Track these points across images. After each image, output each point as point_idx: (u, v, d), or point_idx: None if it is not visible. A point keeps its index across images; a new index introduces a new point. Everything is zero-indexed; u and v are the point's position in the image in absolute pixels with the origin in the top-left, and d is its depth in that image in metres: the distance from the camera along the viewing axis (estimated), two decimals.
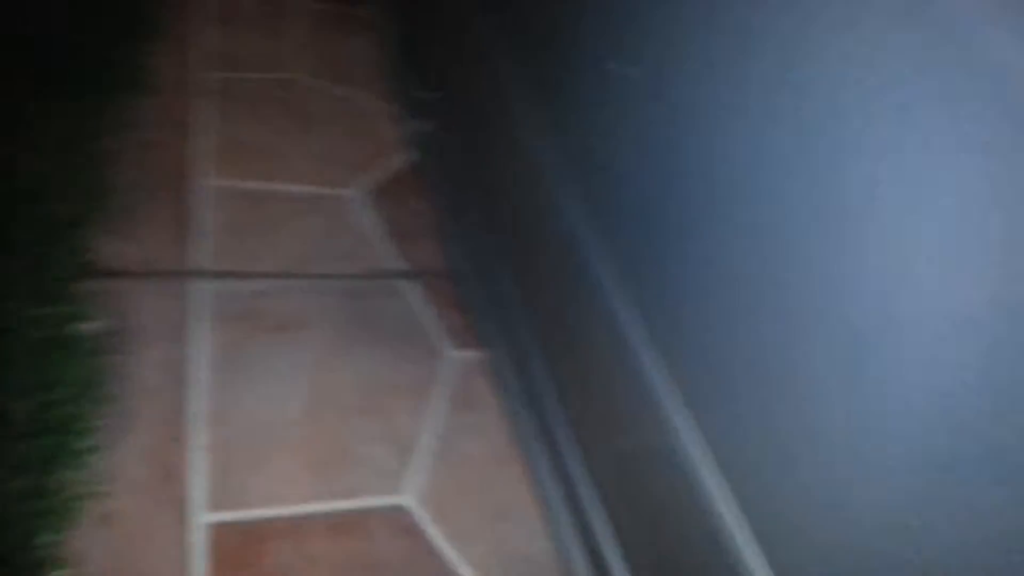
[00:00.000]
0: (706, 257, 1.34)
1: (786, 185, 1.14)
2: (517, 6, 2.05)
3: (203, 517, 1.65)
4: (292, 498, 1.73)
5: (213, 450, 1.76)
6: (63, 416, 1.68)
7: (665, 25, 1.43)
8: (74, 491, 1.59)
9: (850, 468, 1.06)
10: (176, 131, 2.52)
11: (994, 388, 0.89)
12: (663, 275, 1.48)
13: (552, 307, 1.91)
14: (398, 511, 1.77)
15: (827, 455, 1.10)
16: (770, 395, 1.20)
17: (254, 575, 1.60)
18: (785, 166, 1.14)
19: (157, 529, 1.61)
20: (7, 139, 2.20)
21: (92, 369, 1.80)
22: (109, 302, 1.97)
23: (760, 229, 1.20)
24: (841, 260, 1.07)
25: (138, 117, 2.48)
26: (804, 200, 1.11)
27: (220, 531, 1.64)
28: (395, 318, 2.18)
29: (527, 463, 1.90)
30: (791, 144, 1.13)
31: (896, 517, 1.00)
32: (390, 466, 1.85)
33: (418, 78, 2.66)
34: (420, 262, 2.34)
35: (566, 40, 1.83)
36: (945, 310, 0.94)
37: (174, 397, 1.83)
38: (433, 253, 2.37)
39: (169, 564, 1.57)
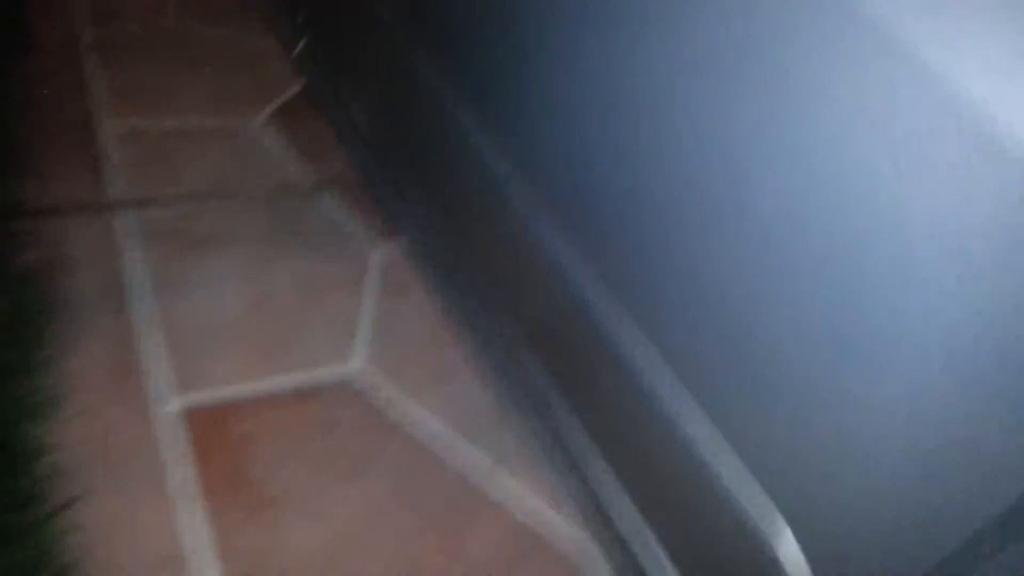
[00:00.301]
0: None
1: None
2: None
3: (169, 403, 1.81)
4: (247, 379, 1.91)
5: (166, 347, 1.92)
6: (14, 335, 1.80)
7: None
8: (40, 395, 1.73)
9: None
10: (68, 83, 2.59)
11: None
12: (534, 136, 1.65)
13: (449, 191, 2.11)
14: (346, 380, 1.98)
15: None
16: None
17: (222, 446, 1.77)
18: None
19: (129, 417, 1.76)
20: None
21: (33, 294, 1.92)
22: (38, 239, 2.07)
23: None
24: None
25: (34, 74, 2.54)
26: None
27: (192, 413, 1.81)
28: (314, 224, 2.36)
29: (458, 332, 2.12)
30: None
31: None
32: (334, 343, 2.05)
33: (285, 7, 2.79)
34: (328, 173, 2.52)
35: None
36: None
37: (118, 309, 1.97)
38: (337, 164, 2.55)
39: (148, 439, 1.73)
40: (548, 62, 1.50)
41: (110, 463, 1.68)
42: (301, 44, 2.62)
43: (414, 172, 2.19)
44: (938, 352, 0.92)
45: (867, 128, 0.94)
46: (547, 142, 1.55)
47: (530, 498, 1.82)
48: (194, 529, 1.62)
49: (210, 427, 1.80)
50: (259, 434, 1.81)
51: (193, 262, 2.14)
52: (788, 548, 1.13)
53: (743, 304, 1.16)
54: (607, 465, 1.53)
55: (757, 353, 1.15)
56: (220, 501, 1.67)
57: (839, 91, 0.96)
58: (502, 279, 1.89)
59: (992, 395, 0.88)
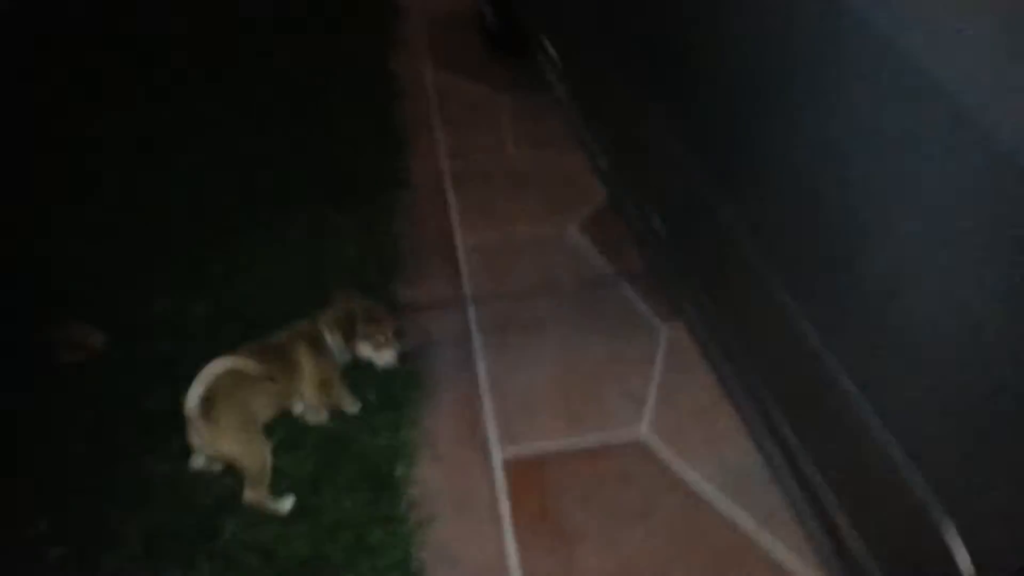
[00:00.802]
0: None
1: None
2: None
3: (499, 454, 2.33)
4: (558, 437, 2.37)
5: (497, 410, 2.46)
6: (396, 396, 2.47)
7: None
8: (408, 443, 2.34)
9: None
10: (433, 209, 3.39)
11: None
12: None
13: (714, 285, 2.38)
14: (637, 443, 2.34)
15: None
16: None
17: (537, 488, 2.23)
18: None
19: (469, 463, 2.31)
20: (326, 236, 3.16)
21: (410, 368, 2.59)
22: (413, 326, 2.78)
23: None
24: None
25: (407, 205, 3.39)
26: None
27: (511, 463, 2.31)
28: (616, 310, 2.80)
29: (732, 401, 2.36)
30: None
31: None
32: (629, 412, 2.43)
33: (593, 137, 3.31)
34: (625, 267, 2.96)
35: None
36: None
37: (466, 378, 2.57)
38: (633, 260, 2.98)
39: (480, 482, 2.25)
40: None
41: (451, 497, 2.23)
42: (604, 160, 3.13)
43: (692, 271, 2.50)
44: None
45: None
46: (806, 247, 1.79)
47: (788, 554, 1.99)
48: (508, 553, 2.08)
49: (526, 473, 2.27)
50: (563, 481, 2.25)
51: (519, 343, 2.69)
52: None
53: None
54: (849, 521, 1.67)
55: None
56: (529, 533, 2.12)
57: None
58: (764, 360, 2.11)
59: None
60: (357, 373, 2.48)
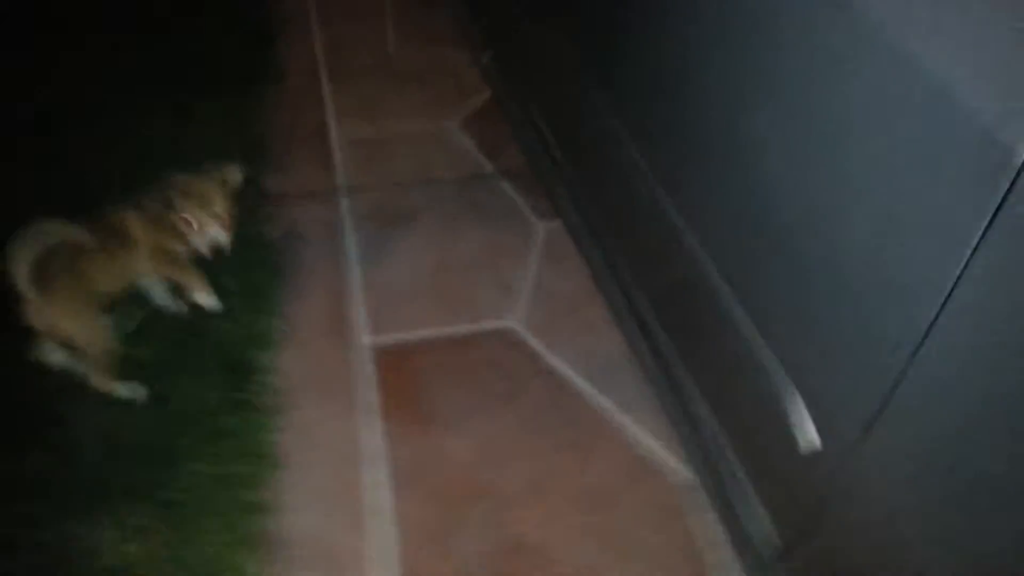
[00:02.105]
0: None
1: None
2: None
3: (366, 340, 2.26)
4: (428, 326, 2.32)
5: (366, 300, 2.38)
6: (259, 284, 2.35)
7: None
8: (270, 331, 2.24)
9: None
10: (307, 102, 3.21)
11: None
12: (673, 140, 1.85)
13: (603, 183, 2.36)
14: (507, 331, 2.32)
15: None
16: None
17: (403, 375, 2.18)
18: None
19: (334, 350, 2.23)
20: (189, 124, 2.95)
21: (273, 257, 2.47)
22: (280, 217, 2.64)
23: None
24: None
25: (279, 99, 3.20)
26: None
27: (380, 351, 2.25)
28: (494, 206, 2.75)
29: (604, 294, 2.37)
30: None
31: None
32: (497, 302, 2.40)
33: (475, 24, 3.21)
34: (507, 164, 2.90)
35: None
36: None
37: (335, 268, 2.48)
38: (515, 158, 2.91)
39: (344, 369, 2.18)
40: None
41: (314, 384, 2.15)
42: (487, 57, 3.03)
43: (576, 167, 2.47)
44: None
45: None
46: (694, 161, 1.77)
47: (647, 437, 2.04)
48: (372, 437, 2.03)
49: (393, 361, 2.22)
50: (431, 369, 2.20)
51: (394, 234, 2.61)
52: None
53: None
54: (711, 412, 1.71)
55: None
56: (395, 418, 2.08)
57: None
58: (638, 257, 2.12)
59: None
60: (219, 264, 2.34)
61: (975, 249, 0.97)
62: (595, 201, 2.31)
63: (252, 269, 2.40)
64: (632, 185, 1.99)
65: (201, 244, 2.11)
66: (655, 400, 2.06)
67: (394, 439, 2.02)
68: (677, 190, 1.76)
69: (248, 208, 2.60)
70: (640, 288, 2.08)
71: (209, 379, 2.10)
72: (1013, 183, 0.91)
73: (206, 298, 2.19)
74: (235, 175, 2.16)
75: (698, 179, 1.70)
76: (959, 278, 1.00)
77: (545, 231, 2.65)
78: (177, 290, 2.21)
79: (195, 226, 2.08)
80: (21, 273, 1.81)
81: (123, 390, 2.01)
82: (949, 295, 1.01)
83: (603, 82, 2.10)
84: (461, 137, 3.05)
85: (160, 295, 2.22)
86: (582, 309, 2.37)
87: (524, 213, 2.71)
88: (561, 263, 2.52)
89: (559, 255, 2.55)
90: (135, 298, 2.19)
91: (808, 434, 1.32)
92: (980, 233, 0.95)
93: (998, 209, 0.93)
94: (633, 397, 2.12)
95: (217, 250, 2.15)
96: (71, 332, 1.91)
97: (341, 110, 3.16)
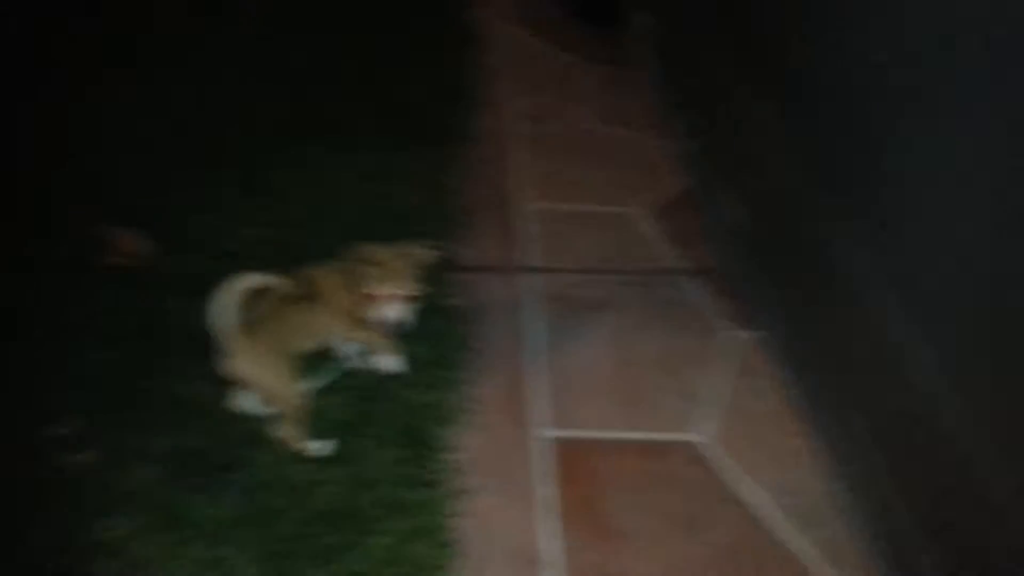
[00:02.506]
0: None
1: None
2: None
3: (546, 432, 2.20)
4: (609, 427, 2.24)
5: (547, 388, 2.32)
6: (443, 355, 2.34)
7: None
8: (451, 408, 2.21)
9: None
10: (497, 170, 3.25)
11: None
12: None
13: (804, 294, 2.24)
14: (690, 446, 2.20)
15: None
16: None
17: (582, 476, 2.10)
18: None
19: (514, 437, 2.18)
20: (386, 179, 3.03)
21: (455, 330, 2.46)
22: (463, 288, 2.64)
23: None
24: None
25: (468, 160, 3.25)
26: None
27: (561, 444, 2.18)
28: (681, 305, 2.66)
29: (807, 420, 2.22)
30: None
31: None
32: (683, 412, 2.29)
33: (684, 121, 3.17)
34: (699, 263, 2.81)
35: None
36: None
37: (516, 352, 2.44)
38: (707, 256, 2.83)
39: (523, 458, 2.13)
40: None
41: (492, 470, 2.09)
42: (689, 146, 2.98)
43: (785, 274, 2.36)
44: None
45: None
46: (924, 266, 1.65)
47: None
48: (549, 537, 1.95)
49: (574, 459, 2.14)
50: (612, 475, 2.11)
51: (575, 324, 2.56)
52: None
53: None
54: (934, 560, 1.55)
55: None
56: (574, 523, 1.99)
57: None
58: (854, 380, 1.97)
59: None
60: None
61: None
62: (804, 314, 2.20)
63: (438, 338, 2.39)
64: (856, 300, 1.87)
65: (385, 318, 2.09)
66: (866, 553, 1.90)
67: (573, 547, 1.93)
68: (913, 307, 1.63)
69: (437, 277, 2.64)
70: (855, 417, 1.93)
71: (390, 447, 2.08)
72: None
73: (391, 362, 2.20)
74: (428, 254, 2.14)
75: (939, 295, 1.57)
76: None
77: (738, 340, 2.53)
78: (367, 351, 2.23)
79: (380, 301, 2.07)
80: (225, 322, 1.84)
81: (312, 446, 2.02)
82: None
83: (829, 186, 2.01)
84: (651, 226, 2.99)
85: (351, 355, 2.24)
86: (778, 434, 2.23)
87: (714, 318, 2.61)
88: (754, 378, 2.40)
89: (752, 369, 2.43)
90: (328, 356, 2.22)
91: None
92: None
93: None
94: (839, 546, 1.95)
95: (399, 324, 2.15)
96: (267, 383, 1.94)
97: (530, 182, 3.18)
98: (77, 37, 3.45)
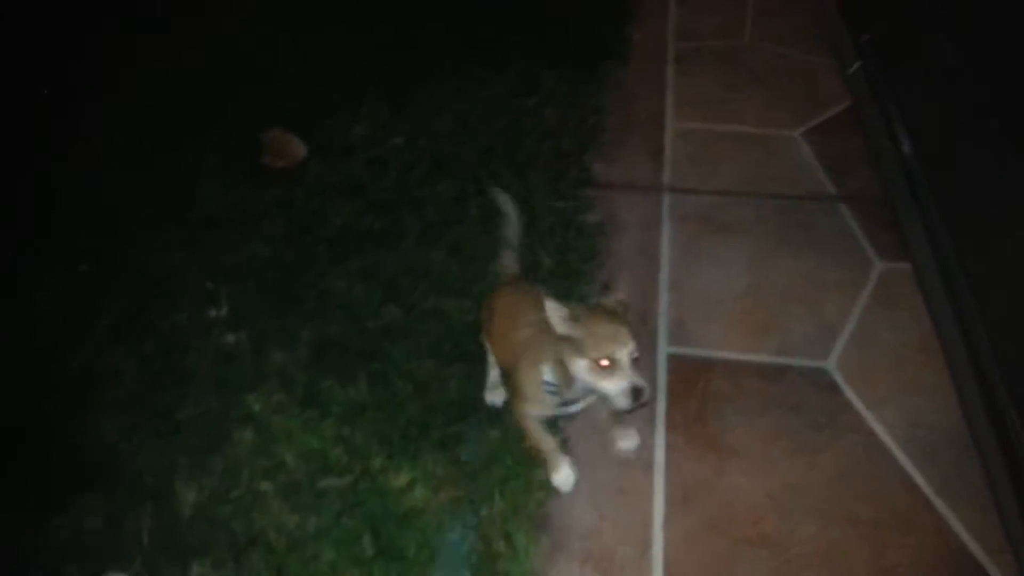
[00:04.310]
0: None
1: None
2: None
3: (665, 349, 2.20)
4: (730, 347, 2.20)
5: (673, 305, 2.31)
6: (572, 269, 2.38)
7: None
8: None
9: None
10: (649, 88, 3.18)
11: None
12: None
13: (971, 222, 2.05)
14: (819, 372, 2.12)
15: None
16: None
17: (693, 394, 2.09)
18: None
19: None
20: (532, 95, 3.06)
21: (591, 243, 2.49)
22: (601, 204, 2.65)
23: None
24: None
25: (620, 79, 3.21)
26: None
27: (675, 360, 2.18)
28: (826, 231, 2.52)
29: (946, 356, 2.08)
30: None
31: None
32: (816, 339, 2.20)
33: (848, 30, 2.93)
34: (851, 188, 2.64)
35: None
36: None
37: (646, 266, 2.44)
38: (862, 182, 2.65)
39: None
40: None
41: None
42: (855, 66, 2.77)
43: (947, 203, 2.17)
44: None
45: None
46: None
47: (965, 531, 1.77)
48: (653, 447, 1.98)
49: (689, 375, 2.13)
50: (726, 394, 2.09)
51: (709, 244, 2.50)
52: None
53: None
54: None
55: None
56: (680, 434, 2.00)
57: None
58: (1008, 320, 1.81)
59: None
60: (537, 240, 2.42)
61: None
62: (963, 246, 2.03)
63: (568, 251, 2.44)
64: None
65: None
66: (985, 490, 1.79)
67: (676, 457, 1.95)
68: None
69: (574, 187, 2.67)
70: (998, 354, 1.79)
71: None
72: None
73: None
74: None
75: None
76: None
77: (882, 270, 2.38)
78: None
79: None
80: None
81: (556, 477, 1.89)
82: None
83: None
84: (804, 149, 2.84)
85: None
86: (912, 367, 2.11)
87: (861, 246, 2.46)
88: (895, 310, 2.26)
89: (894, 301, 2.28)
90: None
91: None
92: None
93: None
94: (958, 481, 1.85)
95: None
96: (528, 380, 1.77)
97: (680, 100, 3.10)
98: None
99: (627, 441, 1.97)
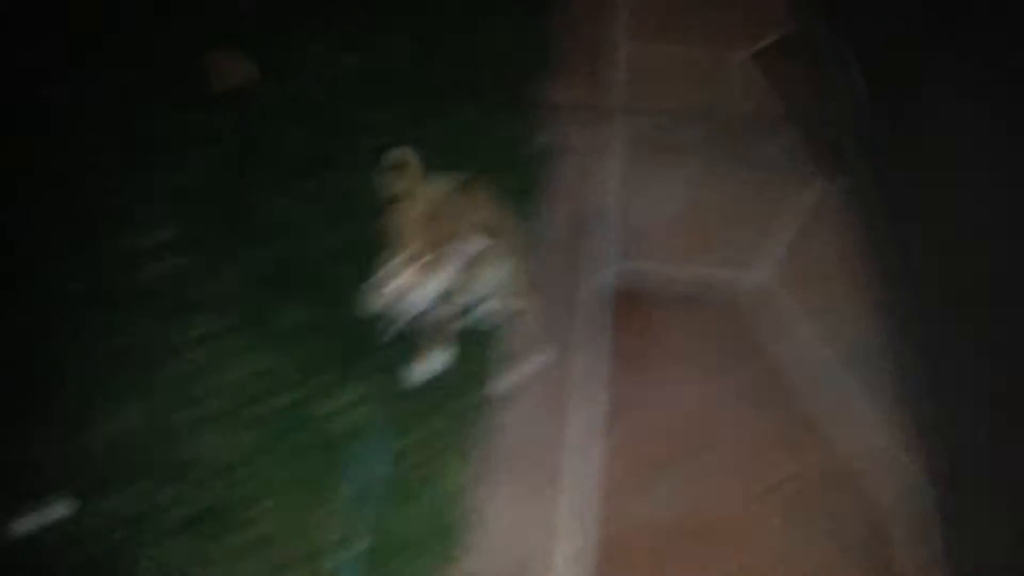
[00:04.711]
0: None
1: None
2: None
3: (610, 266, 2.28)
4: (673, 264, 2.29)
5: (617, 224, 2.38)
6: (520, 190, 2.41)
7: None
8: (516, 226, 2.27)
9: None
10: (599, 11, 3.16)
11: None
12: None
13: (914, 139, 2.12)
14: (753, 286, 2.22)
15: None
16: None
17: (640, 308, 2.18)
18: None
19: (578, 267, 2.27)
20: (486, 16, 3.03)
21: (539, 165, 2.52)
22: (550, 126, 2.67)
23: None
24: None
25: (570, 2, 3.18)
26: None
27: (621, 276, 2.26)
28: (766, 152, 2.59)
29: (876, 270, 2.19)
30: None
31: None
32: (752, 252, 2.30)
33: None
34: (792, 111, 2.70)
35: None
36: None
37: (595, 185, 2.49)
38: (805, 103, 2.71)
39: (584, 288, 2.22)
40: None
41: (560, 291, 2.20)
42: None
43: (889, 121, 2.23)
44: None
45: None
46: None
47: (870, 441, 1.90)
48: (595, 369, 2.06)
49: (632, 292, 2.22)
50: (668, 309, 2.18)
51: (659, 163, 2.56)
52: None
53: None
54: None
55: None
56: (622, 349, 2.09)
57: None
58: (942, 234, 1.89)
59: None
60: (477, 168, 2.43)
61: None
62: (900, 163, 2.11)
63: (516, 173, 2.46)
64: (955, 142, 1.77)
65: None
66: (892, 401, 1.92)
67: (617, 376, 2.04)
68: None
69: (525, 109, 2.68)
70: (930, 269, 1.89)
71: None
72: None
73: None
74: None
75: None
76: None
77: (820, 189, 2.46)
78: None
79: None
80: None
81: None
82: None
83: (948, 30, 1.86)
84: (751, 71, 2.87)
85: None
86: (840, 282, 2.21)
87: (798, 166, 2.53)
88: (832, 225, 2.35)
89: (830, 219, 2.37)
90: None
91: None
92: None
93: None
94: (872, 393, 1.97)
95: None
96: None
97: (629, 24, 3.09)
98: None
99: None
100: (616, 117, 2.71)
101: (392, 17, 2.99)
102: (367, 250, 2.21)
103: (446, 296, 1.71)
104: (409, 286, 1.62)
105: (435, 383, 1.99)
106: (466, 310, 1.91)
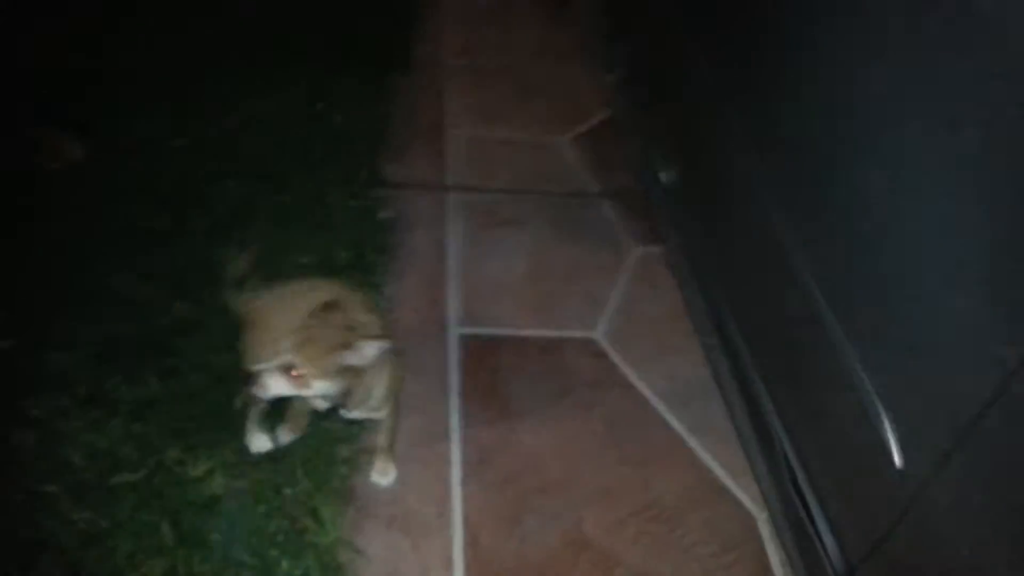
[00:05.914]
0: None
1: None
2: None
3: (457, 330, 2.39)
4: (514, 325, 2.44)
5: (462, 291, 2.50)
6: (368, 262, 2.49)
7: None
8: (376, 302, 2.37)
9: None
10: (432, 97, 3.38)
11: None
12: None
13: (713, 213, 2.41)
14: (590, 341, 2.41)
15: None
16: None
17: (486, 367, 2.30)
18: None
19: (428, 333, 2.36)
20: (322, 100, 3.14)
21: (384, 239, 2.61)
22: (393, 203, 2.79)
23: None
24: None
25: (406, 87, 3.37)
26: None
27: (466, 339, 2.37)
28: (593, 224, 2.85)
29: (693, 320, 2.42)
30: None
31: None
32: (586, 313, 2.50)
33: (612, 57, 3.31)
34: (612, 186, 3.00)
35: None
36: None
37: (436, 257, 2.62)
38: (622, 181, 3.01)
39: (434, 352, 2.31)
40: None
41: (412, 358, 2.26)
42: (613, 77, 3.13)
43: (688, 192, 2.52)
44: None
45: None
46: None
47: (716, 461, 2.12)
48: (448, 417, 2.15)
49: (481, 352, 2.33)
50: (513, 366, 2.31)
51: (493, 236, 2.74)
52: None
53: None
54: (788, 431, 1.75)
55: None
56: (475, 404, 2.19)
57: None
58: (739, 284, 2.15)
59: None
60: (333, 234, 2.51)
61: None
62: (701, 228, 2.37)
63: (362, 246, 2.54)
64: (748, 211, 2.04)
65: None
66: (729, 426, 2.11)
67: (471, 424, 2.13)
68: (795, 218, 1.80)
69: (365, 191, 2.79)
70: (734, 314, 2.12)
71: None
72: None
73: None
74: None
75: (817, 210, 1.75)
76: None
77: (641, 254, 2.73)
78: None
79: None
80: None
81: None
82: None
83: (741, 113, 2.16)
84: (572, 153, 3.16)
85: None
86: (667, 332, 2.45)
87: (622, 235, 2.80)
88: (653, 287, 2.60)
89: (652, 279, 2.63)
90: None
91: (891, 455, 1.36)
92: None
93: None
94: (708, 422, 2.19)
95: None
96: None
97: (460, 110, 3.31)
98: None
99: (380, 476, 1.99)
100: (453, 193, 2.88)
101: (228, 100, 3.03)
102: (209, 324, 2.22)
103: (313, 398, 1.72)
104: (280, 391, 1.62)
105: (289, 448, 1.98)
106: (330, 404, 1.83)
